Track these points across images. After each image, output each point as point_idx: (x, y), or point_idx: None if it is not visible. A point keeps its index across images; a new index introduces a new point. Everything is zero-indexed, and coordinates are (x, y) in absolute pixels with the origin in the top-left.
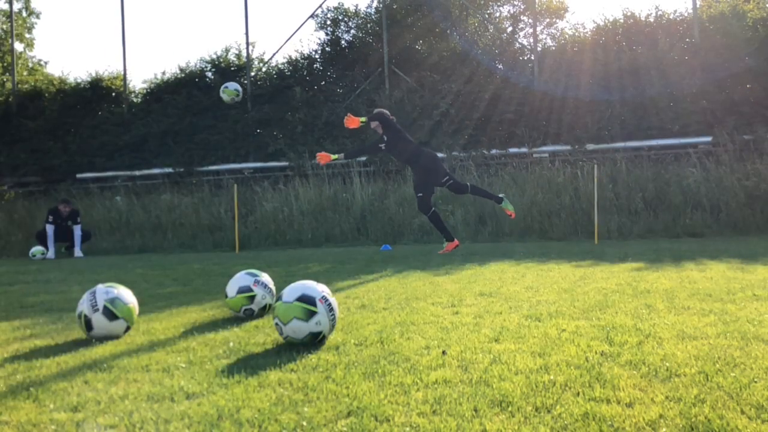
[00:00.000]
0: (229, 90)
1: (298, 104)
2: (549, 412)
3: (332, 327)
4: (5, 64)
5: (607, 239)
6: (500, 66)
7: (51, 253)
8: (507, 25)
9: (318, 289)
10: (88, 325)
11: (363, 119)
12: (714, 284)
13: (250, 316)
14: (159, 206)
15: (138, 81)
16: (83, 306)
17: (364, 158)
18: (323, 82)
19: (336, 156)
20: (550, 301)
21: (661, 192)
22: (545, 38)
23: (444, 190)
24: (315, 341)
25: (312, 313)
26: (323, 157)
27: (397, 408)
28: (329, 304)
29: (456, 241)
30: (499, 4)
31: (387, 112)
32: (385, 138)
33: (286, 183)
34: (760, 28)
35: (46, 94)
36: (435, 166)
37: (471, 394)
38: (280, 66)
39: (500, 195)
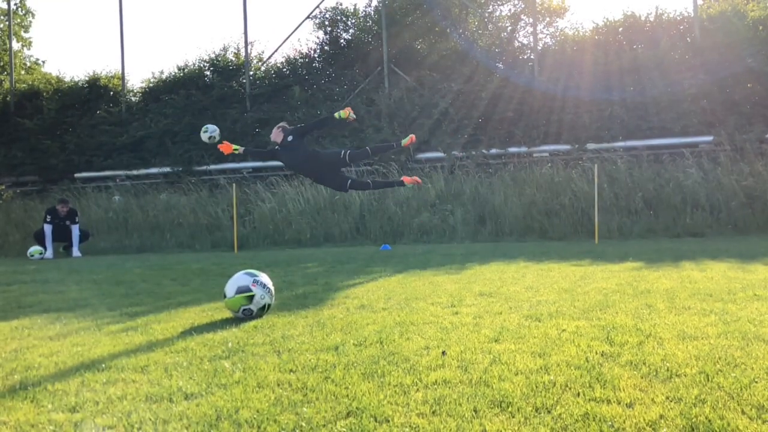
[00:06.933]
0: (209, 132)
1: (297, 104)
2: (549, 412)
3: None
4: (2, 64)
5: (607, 239)
6: (500, 65)
7: (49, 253)
8: (507, 24)
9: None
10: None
11: (236, 147)
12: (714, 284)
13: (249, 316)
14: (157, 206)
15: (136, 80)
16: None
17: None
18: (322, 82)
19: (237, 148)
20: (551, 301)
21: (661, 191)
22: (545, 37)
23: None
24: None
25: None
26: (225, 147)
27: (396, 408)
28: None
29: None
30: (499, 3)
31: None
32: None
33: (284, 182)
34: (761, 28)
35: (44, 94)
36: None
37: (471, 394)
38: (278, 65)
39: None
